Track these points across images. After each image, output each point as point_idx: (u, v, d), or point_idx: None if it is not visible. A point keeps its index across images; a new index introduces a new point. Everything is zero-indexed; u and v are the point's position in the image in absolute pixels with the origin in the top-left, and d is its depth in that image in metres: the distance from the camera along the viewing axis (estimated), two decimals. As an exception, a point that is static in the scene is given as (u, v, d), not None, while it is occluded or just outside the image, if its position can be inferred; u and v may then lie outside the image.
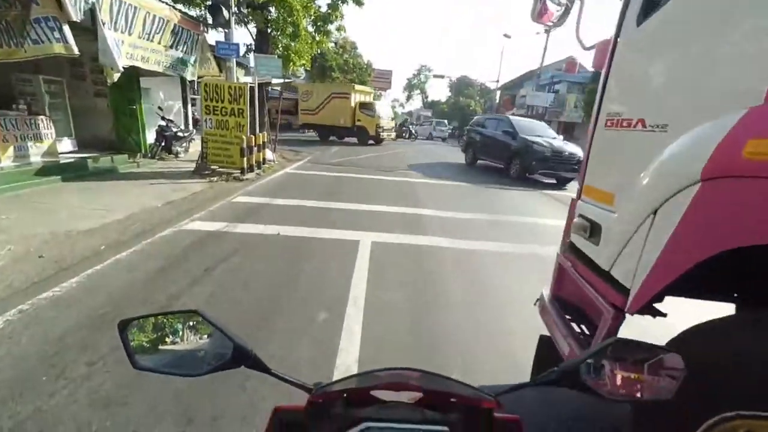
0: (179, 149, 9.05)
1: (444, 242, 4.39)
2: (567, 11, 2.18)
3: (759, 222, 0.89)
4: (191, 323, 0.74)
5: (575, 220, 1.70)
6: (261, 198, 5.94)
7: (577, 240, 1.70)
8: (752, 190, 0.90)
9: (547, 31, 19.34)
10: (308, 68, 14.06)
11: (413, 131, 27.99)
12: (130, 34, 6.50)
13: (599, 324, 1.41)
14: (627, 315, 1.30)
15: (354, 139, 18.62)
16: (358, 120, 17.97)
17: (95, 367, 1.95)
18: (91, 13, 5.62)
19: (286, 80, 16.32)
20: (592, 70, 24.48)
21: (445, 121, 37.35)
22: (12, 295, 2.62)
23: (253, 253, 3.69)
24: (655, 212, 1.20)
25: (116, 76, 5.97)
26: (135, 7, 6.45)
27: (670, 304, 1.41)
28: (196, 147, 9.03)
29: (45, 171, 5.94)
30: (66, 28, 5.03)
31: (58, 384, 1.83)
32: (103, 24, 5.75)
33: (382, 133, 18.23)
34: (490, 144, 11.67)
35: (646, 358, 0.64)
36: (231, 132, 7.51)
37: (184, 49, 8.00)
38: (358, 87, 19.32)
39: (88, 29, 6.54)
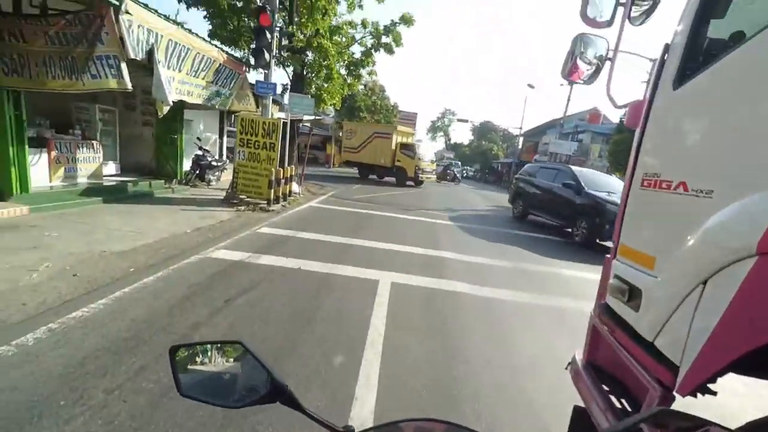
0: (212, 178, 9.50)
1: (464, 287, 4.28)
2: (598, 70, 2.23)
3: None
4: (234, 353, 0.78)
5: (611, 281, 1.63)
6: (285, 230, 6.06)
7: (614, 303, 1.62)
8: None
9: (571, 84, 19.74)
10: (338, 108, 14.78)
11: (457, 174, 27.92)
12: (179, 71, 7.11)
13: (644, 401, 1.29)
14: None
15: (393, 179, 18.64)
16: (398, 160, 18.01)
17: (112, 395, 1.95)
18: (149, 53, 6.21)
19: (317, 117, 17.19)
20: (616, 122, 24.63)
21: (458, 162, 38.71)
22: (44, 312, 2.71)
23: (274, 286, 3.70)
24: (704, 282, 1.14)
25: (166, 110, 6.44)
26: (188, 48, 7.09)
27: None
28: (227, 176, 9.46)
29: (89, 192, 6.33)
30: (123, 66, 5.55)
31: (76, 410, 1.82)
32: (159, 63, 6.32)
33: (421, 175, 18.13)
34: (546, 198, 9.59)
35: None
36: (261, 164, 7.86)
37: (223, 84, 8.65)
38: (400, 128, 19.71)
39: (142, 65, 7.22)
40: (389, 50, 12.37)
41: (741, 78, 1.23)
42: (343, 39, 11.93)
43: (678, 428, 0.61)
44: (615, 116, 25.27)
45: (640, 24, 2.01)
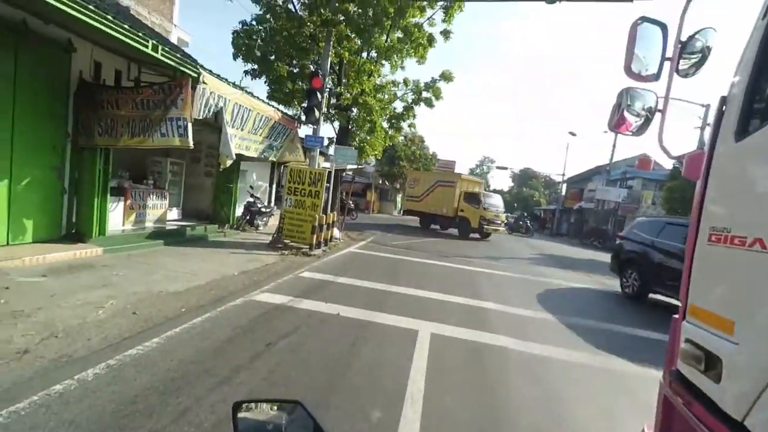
0: (260, 222, 10.10)
1: (509, 342, 4.00)
2: (647, 122, 2.20)
3: None
4: (293, 413, 0.80)
5: (683, 346, 1.46)
6: (325, 275, 6.17)
7: (688, 371, 1.44)
8: None
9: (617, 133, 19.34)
10: (378, 158, 15.47)
11: (530, 225, 26.69)
12: (242, 130, 7.95)
13: None
14: None
15: (456, 230, 17.35)
16: (461, 210, 16.85)
17: (157, 436, 1.98)
18: (216, 114, 7.03)
19: (359, 167, 18.03)
20: (668, 167, 23.25)
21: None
22: (105, 348, 2.90)
23: (313, 331, 3.71)
24: None
25: (229, 163, 7.09)
26: (249, 110, 7.98)
27: None
28: (273, 221, 10.01)
29: (154, 235, 6.96)
30: (189, 126, 6.30)
31: (122, 450, 1.87)
32: (226, 123, 7.11)
33: (486, 226, 16.44)
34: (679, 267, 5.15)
35: None
36: (306, 211, 8.26)
37: (275, 138, 9.49)
38: (465, 176, 18.80)
39: (208, 124, 8.16)
40: (429, 104, 13.00)
41: None
42: (386, 96, 12.80)
43: None
44: (667, 162, 23.91)
45: (691, 76, 1.99)
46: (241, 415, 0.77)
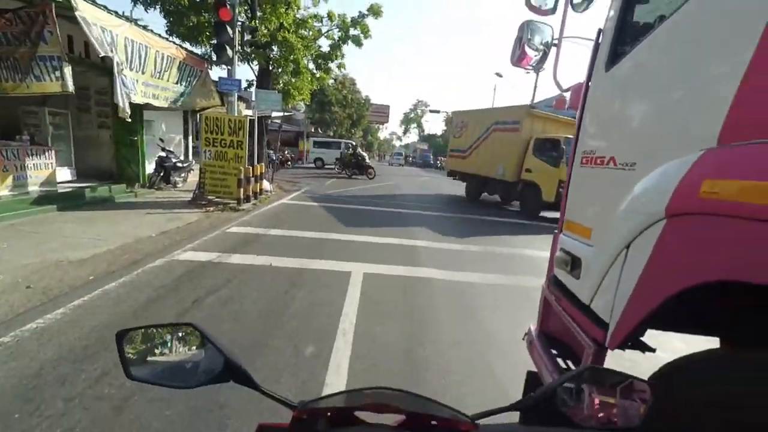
0: (177, 179, 9.17)
1: (435, 273, 4.38)
2: (545, 56, 2.33)
3: (717, 259, 0.92)
4: (185, 336, 0.77)
5: (557, 254, 1.73)
6: (256, 228, 5.97)
7: (560, 274, 1.73)
8: (709, 227, 0.95)
9: (537, 71, 20.30)
10: (307, 102, 14.56)
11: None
12: (143, 73, 6.81)
13: (582, 359, 1.40)
14: (617, 350, 1.30)
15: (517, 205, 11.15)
16: (527, 170, 9.98)
17: (72, 403, 1.89)
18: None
19: (286, 113, 16.87)
20: (581, 106, 25.47)
21: (429, 153, 42.46)
22: (-6, 327, 2.56)
23: (244, 284, 3.66)
24: (628, 246, 1.24)
25: (128, 113, 6.14)
26: (146, 47, 6.79)
27: (661, 337, 1.41)
28: (194, 177, 9.17)
29: (41, 200, 5.98)
30: (67, 68, 5.26)
31: (33, 421, 1.76)
32: (120, 64, 5.99)
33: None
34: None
35: (618, 382, 0.68)
36: (229, 163, 7.67)
37: (183, 81, 8.36)
38: (538, 112, 10.81)
39: (94, 65, 6.85)
40: (358, 43, 12.26)
41: (653, 60, 1.34)
42: (310, 33, 11.71)
43: (607, 383, 0.70)
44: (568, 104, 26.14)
45: (583, 11, 2.10)
46: (129, 344, 0.73)
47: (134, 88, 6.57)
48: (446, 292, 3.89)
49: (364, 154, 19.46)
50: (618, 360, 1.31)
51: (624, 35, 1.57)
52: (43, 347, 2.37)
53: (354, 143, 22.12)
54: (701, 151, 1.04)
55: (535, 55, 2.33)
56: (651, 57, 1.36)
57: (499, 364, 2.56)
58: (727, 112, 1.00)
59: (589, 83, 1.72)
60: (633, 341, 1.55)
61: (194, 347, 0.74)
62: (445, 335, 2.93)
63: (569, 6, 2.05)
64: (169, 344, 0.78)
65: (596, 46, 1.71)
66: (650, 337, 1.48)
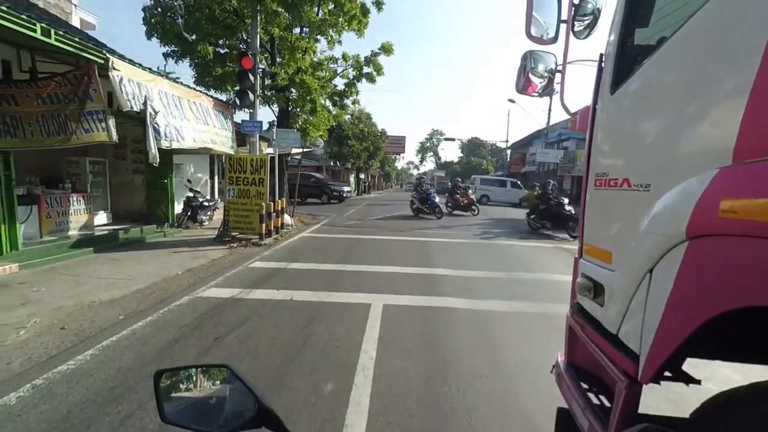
0: (204, 218, 9.56)
1: (457, 302, 4.26)
2: (550, 82, 2.36)
3: (742, 283, 0.86)
4: (220, 377, 0.78)
5: (579, 280, 1.66)
6: (277, 263, 6.06)
7: (584, 301, 1.65)
8: (733, 248, 0.89)
9: (550, 95, 20.36)
10: (325, 138, 15.11)
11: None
12: (188, 120, 7.33)
13: (615, 394, 1.30)
14: (655, 384, 1.20)
15: None
16: None
17: (95, 447, 1.90)
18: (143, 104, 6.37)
19: (306, 149, 17.54)
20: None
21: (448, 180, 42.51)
22: (29, 370, 2.67)
23: (265, 319, 3.68)
24: (651, 271, 1.18)
25: (157, 160, 6.53)
26: (179, 97, 7.34)
27: (711, 367, 1.30)
28: (219, 215, 9.54)
29: (80, 243, 6.35)
30: (111, 120, 5.73)
31: (56, 467, 1.78)
32: (152, 115, 6.47)
33: None
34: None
35: None
36: (252, 200, 7.96)
37: (227, 127, 9.00)
38: None
39: (131, 116, 7.43)
40: (371, 79, 12.78)
41: (657, 81, 1.33)
42: (326, 73, 12.38)
43: None
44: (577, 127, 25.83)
45: (585, 37, 2.14)
46: (165, 384, 0.74)
47: (179, 135, 6.98)
48: (469, 321, 3.76)
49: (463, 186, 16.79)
50: (664, 393, 1.21)
51: (626, 58, 1.58)
52: (72, 390, 2.42)
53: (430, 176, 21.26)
54: (717, 169, 1.01)
55: (541, 82, 2.35)
56: (655, 78, 1.35)
57: (529, 400, 2.40)
58: (739, 129, 0.97)
59: (596, 106, 1.72)
60: (674, 372, 1.44)
61: (228, 389, 0.74)
62: (469, 369, 2.80)
63: (570, 33, 2.09)
64: (203, 385, 0.79)
65: (599, 70, 1.72)
66: (698, 366, 1.37)
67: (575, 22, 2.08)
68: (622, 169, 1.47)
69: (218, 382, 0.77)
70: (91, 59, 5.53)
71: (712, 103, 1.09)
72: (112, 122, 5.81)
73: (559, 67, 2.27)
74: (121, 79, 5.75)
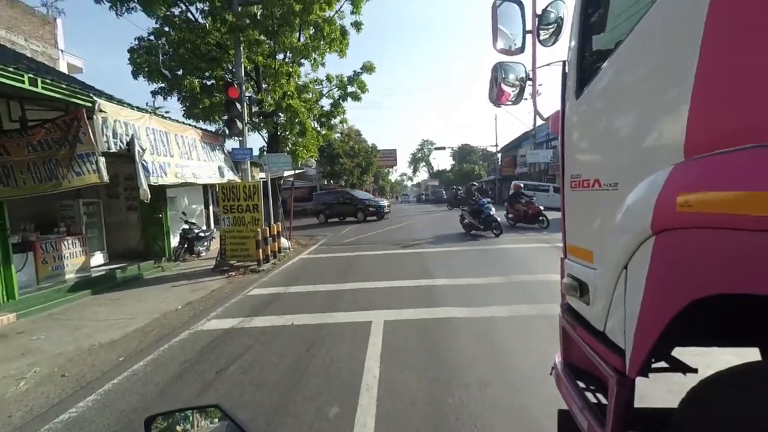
0: (201, 249, 9.55)
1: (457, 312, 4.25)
2: (522, 90, 2.43)
3: (707, 272, 0.90)
4: (212, 417, 0.78)
5: (564, 280, 1.69)
6: (276, 288, 6.04)
7: (572, 300, 1.67)
8: (693, 240, 0.93)
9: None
10: (316, 158, 15.25)
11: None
12: (172, 156, 7.41)
13: (608, 392, 1.31)
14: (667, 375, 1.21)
15: None
16: None
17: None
18: (129, 144, 6.45)
19: (298, 171, 17.67)
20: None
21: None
22: (30, 422, 2.63)
23: (266, 347, 3.66)
24: (626, 267, 1.21)
25: (148, 196, 6.58)
26: (166, 132, 7.44)
27: (713, 354, 1.31)
28: (216, 245, 9.53)
29: (77, 287, 6.31)
30: (102, 161, 5.79)
31: None
32: (145, 151, 6.55)
33: None
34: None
35: None
36: (247, 227, 7.98)
37: (220, 158, 9.07)
38: None
39: (122, 155, 7.51)
40: (356, 98, 12.99)
41: (616, 83, 1.39)
42: (312, 95, 12.60)
43: None
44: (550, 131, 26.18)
45: (551, 45, 2.23)
46: (158, 429, 0.73)
47: (163, 171, 7.07)
48: (469, 330, 3.75)
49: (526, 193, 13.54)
50: (668, 384, 1.21)
51: (586, 63, 1.65)
52: (74, 437, 2.39)
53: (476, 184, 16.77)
54: (672, 166, 1.05)
55: (513, 91, 2.42)
56: (612, 81, 1.41)
57: (534, 403, 2.39)
58: (686, 127, 1.02)
59: (564, 111, 1.79)
60: (670, 363, 1.46)
61: (222, 428, 0.75)
62: (473, 378, 2.78)
63: (537, 42, 2.18)
64: (195, 427, 0.79)
65: (564, 76, 1.79)
66: (699, 355, 1.39)
67: (540, 32, 2.17)
68: (592, 169, 1.52)
69: (210, 422, 0.77)
70: (80, 104, 5.62)
71: (662, 104, 1.15)
72: (102, 163, 5.87)
73: (530, 75, 2.35)
74: (105, 120, 5.83)
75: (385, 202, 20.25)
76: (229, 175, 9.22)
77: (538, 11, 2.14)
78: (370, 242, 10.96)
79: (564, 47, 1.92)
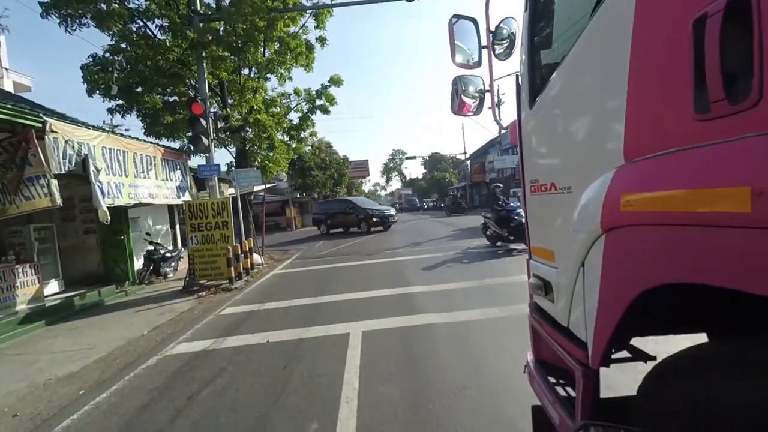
0: (167, 270, 9.11)
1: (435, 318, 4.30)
2: (482, 101, 2.55)
3: (649, 265, 0.99)
4: None
5: (530, 280, 1.78)
6: (249, 306, 5.87)
7: (538, 299, 1.76)
8: (637, 237, 1.03)
9: (498, 105, 21.48)
10: (287, 172, 15.07)
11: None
12: (126, 176, 7.07)
13: (575, 384, 1.39)
14: (635, 364, 1.28)
15: None
16: None
17: None
18: (82, 163, 6.14)
19: (269, 185, 17.35)
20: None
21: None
22: (-24, 470, 2.39)
23: (241, 367, 3.53)
24: (583, 264, 1.30)
25: (108, 218, 6.25)
26: (123, 151, 7.13)
27: (666, 344, 1.41)
28: (185, 264, 9.13)
29: (29, 318, 5.83)
30: (54, 183, 5.47)
31: None
32: (99, 171, 6.24)
33: None
34: None
35: None
36: (217, 245, 7.73)
37: (179, 177, 8.69)
38: None
39: (77, 175, 7.12)
40: (325, 111, 13.00)
41: (562, 94, 1.51)
42: (279, 109, 12.49)
43: None
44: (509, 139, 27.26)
45: (506, 59, 2.37)
46: None
47: (118, 192, 6.78)
48: (447, 335, 3.81)
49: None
50: (634, 374, 1.30)
51: (537, 76, 1.77)
52: (29, 482, 2.20)
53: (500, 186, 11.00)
54: (615, 169, 1.16)
55: (473, 102, 2.55)
56: (559, 92, 1.53)
57: (511, 403, 2.45)
58: (624, 132, 1.13)
59: (520, 120, 1.91)
60: (632, 353, 1.55)
61: None
62: (451, 383, 2.82)
63: (492, 56, 2.32)
64: None
65: (518, 88, 1.91)
66: (657, 343, 1.48)
67: (495, 47, 2.30)
68: (548, 174, 1.63)
69: None
70: (28, 124, 5.30)
71: (603, 112, 1.26)
72: (54, 186, 5.54)
73: (488, 87, 2.49)
74: (55, 140, 5.53)
75: (392, 211, 18.49)
76: (186, 197, 8.83)
77: (492, 28, 2.28)
78: (345, 253, 10.89)
79: (518, 60, 2.06)
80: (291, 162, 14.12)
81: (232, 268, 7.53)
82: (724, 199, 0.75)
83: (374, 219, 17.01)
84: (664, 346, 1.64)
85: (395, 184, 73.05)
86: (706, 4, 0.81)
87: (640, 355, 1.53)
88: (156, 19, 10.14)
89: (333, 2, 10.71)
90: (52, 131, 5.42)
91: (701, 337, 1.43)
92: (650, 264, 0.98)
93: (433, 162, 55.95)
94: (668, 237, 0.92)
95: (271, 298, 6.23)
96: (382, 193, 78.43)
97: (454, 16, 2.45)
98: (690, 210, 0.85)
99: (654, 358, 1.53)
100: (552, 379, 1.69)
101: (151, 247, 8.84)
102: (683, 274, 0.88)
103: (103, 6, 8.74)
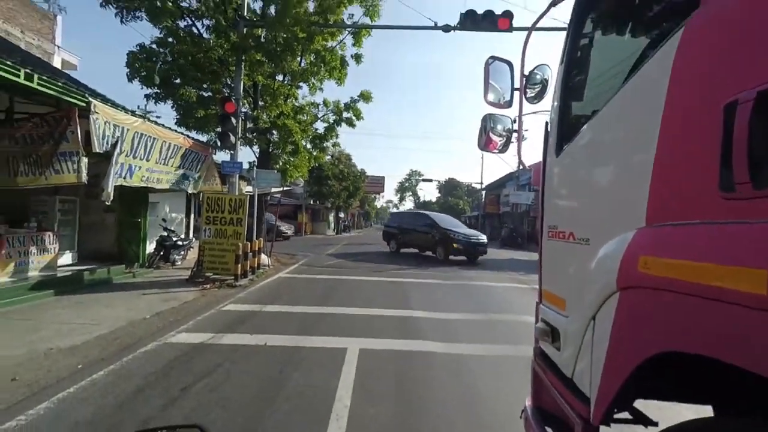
0: (177, 257, 9.28)
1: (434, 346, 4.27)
2: (509, 140, 2.63)
3: (662, 330, 1.01)
4: None
5: (538, 324, 1.78)
6: (252, 305, 5.92)
7: (544, 345, 1.75)
8: (653, 299, 1.05)
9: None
10: (305, 179, 15.32)
11: None
12: (147, 161, 7.33)
13: None
14: (606, 426, 1.27)
15: None
16: None
17: None
18: (114, 145, 6.38)
19: (285, 188, 17.64)
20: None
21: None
22: (-29, 428, 2.45)
23: (237, 366, 3.56)
24: (594, 318, 1.31)
25: (111, 198, 6.40)
26: (154, 138, 7.41)
27: (676, 408, 1.38)
28: (193, 255, 9.29)
29: (39, 286, 6.00)
30: (84, 162, 5.71)
31: None
32: (122, 153, 6.49)
33: None
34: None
35: None
36: (228, 240, 7.86)
37: (191, 167, 8.92)
38: None
39: (107, 155, 7.40)
40: (351, 124, 13.29)
41: (590, 148, 1.57)
42: (307, 117, 12.84)
43: None
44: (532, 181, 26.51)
45: (536, 103, 2.45)
46: None
47: (129, 174, 6.93)
48: (446, 366, 3.77)
49: None
50: None
51: (565, 126, 1.83)
52: (21, 449, 2.25)
53: None
54: (635, 230, 1.19)
55: (500, 140, 2.62)
56: (586, 145, 1.58)
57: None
58: (648, 196, 1.16)
59: (545, 165, 1.96)
60: (633, 414, 1.53)
61: None
62: (444, 417, 2.79)
63: (523, 99, 2.40)
64: None
65: (546, 134, 1.97)
66: (662, 409, 1.45)
67: (527, 90, 2.39)
68: (568, 222, 1.67)
69: None
70: (73, 102, 5.59)
71: (629, 173, 1.30)
72: (84, 164, 5.78)
73: (516, 128, 2.56)
74: (96, 121, 5.80)
75: (482, 238, 13.89)
76: (190, 188, 8.88)
77: (526, 72, 2.37)
78: (351, 267, 10.91)
79: (548, 103, 2.14)
80: (310, 169, 14.36)
81: (240, 265, 7.63)
82: (741, 277, 0.78)
83: (455, 245, 13.03)
84: (668, 412, 1.62)
85: (408, 204, 73.28)
86: (738, 91, 0.86)
87: (641, 419, 1.51)
88: (204, 19, 10.68)
89: (372, 24, 11.09)
90: (95, 112, 5.70)
91: (707, 410, 1.41)
92: (661, 328, 1.00)
93: (449, 188, 56.09)
94: (681, 304, 0.94)
95: (274, 301, 6.27)
96: (394, 210, 78.68)
97: (491, 57, 2.56)
98: (705, 283, 0.87)
99: (655, 424, 1.50)
100: (548, 430, 1.67)
101: (165, 233, 9.04)
102: (692, 345, 0.90)
103: (158, 3, 9.28)
